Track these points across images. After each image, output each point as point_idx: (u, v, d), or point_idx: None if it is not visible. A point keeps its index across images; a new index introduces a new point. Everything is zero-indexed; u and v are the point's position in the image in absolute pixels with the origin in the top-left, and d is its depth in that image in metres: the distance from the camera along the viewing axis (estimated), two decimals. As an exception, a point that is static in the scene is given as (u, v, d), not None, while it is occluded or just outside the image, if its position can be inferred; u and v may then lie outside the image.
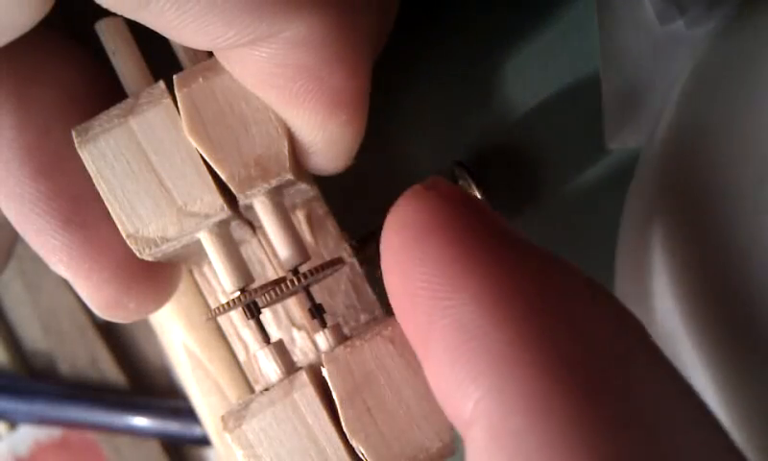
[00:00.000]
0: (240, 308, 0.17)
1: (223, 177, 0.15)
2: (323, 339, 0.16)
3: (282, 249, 0.17)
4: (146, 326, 0.26)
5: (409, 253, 0.13)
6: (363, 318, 0.20)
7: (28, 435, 0.29)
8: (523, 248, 0.13)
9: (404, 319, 0.14)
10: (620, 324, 0.12)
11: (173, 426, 0.28)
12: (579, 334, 0.12)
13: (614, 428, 0.11)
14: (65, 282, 0.17)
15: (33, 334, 0.29)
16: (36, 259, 0.17)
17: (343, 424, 0.15)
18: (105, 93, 0.17)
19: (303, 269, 0.17)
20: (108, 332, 0.29)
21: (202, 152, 0.15)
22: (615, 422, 0.11)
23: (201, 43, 0.14)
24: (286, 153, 0.15)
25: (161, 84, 0.16)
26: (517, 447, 0.11)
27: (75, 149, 0.15)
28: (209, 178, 0.16)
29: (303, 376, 0.16)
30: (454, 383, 0.12)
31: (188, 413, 0.27)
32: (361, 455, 0.15)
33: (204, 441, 0.28)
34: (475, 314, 0.12)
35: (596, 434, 0.11)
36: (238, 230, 0.19)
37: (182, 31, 0.13)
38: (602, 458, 0.11)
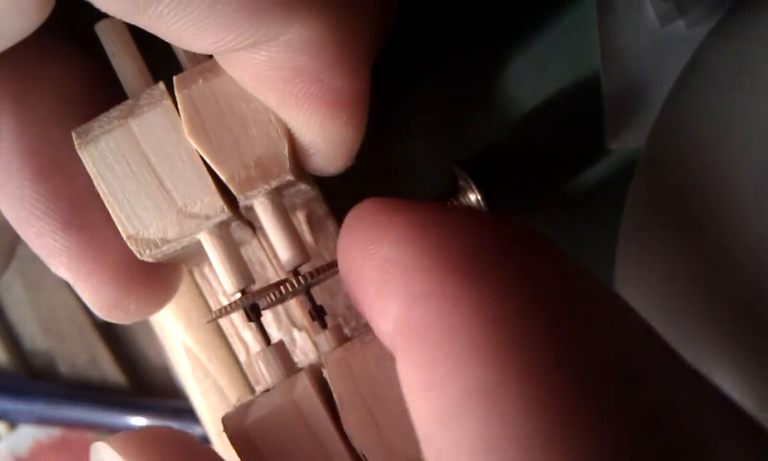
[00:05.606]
0: (241, 310, 0.17)
1: (223, 178, 0.15)
2: (323, 340, 0.16)
3: (283, 250, 0.16)
4: (146, 326, 0.26)
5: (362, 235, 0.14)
6: (364, 319, 0.20)
7: (28, 435, 0.29)
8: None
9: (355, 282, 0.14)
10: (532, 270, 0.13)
11: (173, 426, 0.28)
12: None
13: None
14: (65, 282, 0.17)
15: (33, 334, 0.29)
16: (37, 260, 0.17)
17: (344, 424, 0.15)
18: (104, 95, 0.17)
19: (304, 270, 0.17)
20: (108, 332, 0.29)
21: (202, 153, 0.15)
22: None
23: (200, 47, 0.13)
24: (286, 154, 0.15)
25: (161, 85, 0.16)
26: (425, 337, 0.12)
27: (75, 151, 0.15)
28: (209, 179, 0.15)
29: (304, 378, 0.16)
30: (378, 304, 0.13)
31: (188, 413, 0.27)
32: (362, 456, 0.15)
33: (204, 441, 0.28)
34: (394, 252, 0.13)
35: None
36: (238, 232, 0.19)
37: (181, 35, 0.13)
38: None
